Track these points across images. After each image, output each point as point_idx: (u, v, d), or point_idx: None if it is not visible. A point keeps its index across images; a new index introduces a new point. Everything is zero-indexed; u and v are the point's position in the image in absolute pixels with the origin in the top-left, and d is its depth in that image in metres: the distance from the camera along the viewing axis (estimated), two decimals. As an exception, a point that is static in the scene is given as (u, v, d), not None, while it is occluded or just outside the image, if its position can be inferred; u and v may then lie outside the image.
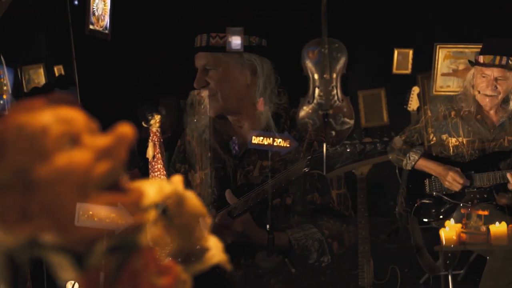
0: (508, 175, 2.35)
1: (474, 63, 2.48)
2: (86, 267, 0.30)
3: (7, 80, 0.97)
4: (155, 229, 0.37)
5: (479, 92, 2.41)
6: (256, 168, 1.41)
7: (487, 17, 3.54)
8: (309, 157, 1.23)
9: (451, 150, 2.49)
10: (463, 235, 2.32)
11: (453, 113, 2.49)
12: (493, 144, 2.46)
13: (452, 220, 2.38)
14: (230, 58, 1.38)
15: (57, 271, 0.30)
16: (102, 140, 0.31)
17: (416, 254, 2.54)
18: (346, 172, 2.72)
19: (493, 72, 2.37)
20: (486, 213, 2.30)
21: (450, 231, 2.34)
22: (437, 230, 2.65)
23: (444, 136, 2.51)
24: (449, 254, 2.38)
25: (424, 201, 2.49)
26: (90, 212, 0.66)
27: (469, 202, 2.42)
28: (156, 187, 0.37)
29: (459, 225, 2.36)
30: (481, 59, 2.42)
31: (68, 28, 2.47)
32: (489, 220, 2.29)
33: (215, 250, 0.43)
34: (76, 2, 2.52)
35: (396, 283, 2.46)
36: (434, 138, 2.55)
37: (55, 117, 0.30)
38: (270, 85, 1.42)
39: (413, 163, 2.46)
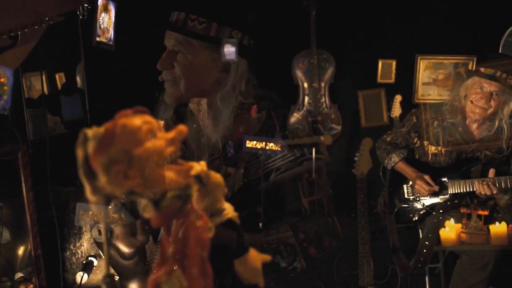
0: (476, 183, 2.39)
1: (473, 73, 2.51)
2: (160, 208, 0.52)
3: (7, 80, 1.07)
4: (195, 190, 0.58)
5: (471, 102, 2.44)
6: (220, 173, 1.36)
7: (466, 30, 3.77)
8: (244, 167, 1.12)
9: (430, 157, 2.58)
10: (463, 235, 2.33)
11: (436, 122, 2.58)
12: (470, 156, 2.53)
13: (452, 220, 2.40)
14: (203, 48, 1.26)
15: (142, 210, 0.52)
16: (169, 134, 0.53)
17: (393, 255, 2.67)
18: (345, 172, 2.83)
19: (491, 86, 2.39)
20: (486, 213, 2.32)
21: (450, 231, 2.35)
22: (416, 230, 2.85)
23: (425, 143, 2.61)
24: (421, 259, 2.53)
25: (403, 205, 2.66)
26: (90, 212, 0.92)
27: (440, 210, 2.58)
28: (195, 165, 0.58)
29: (459, 225, 2.36)
30: (482, 69, 2.44)
31: (78, 41, 2.65)
32: (489, 220, 2.32)
33: (228, 210, 0.65)
34: (85, 17, 2.71)
35: (396, 283, 2.59)
36: (418, 142, 2.65)
37: (142, 120, 0.52)
38: (239, 86, 1.31)
39: (393, 164, 2.62)
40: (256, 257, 0.70)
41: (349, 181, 2.80)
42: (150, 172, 0.50)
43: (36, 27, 1.17)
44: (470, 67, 3.56)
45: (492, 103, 2.41)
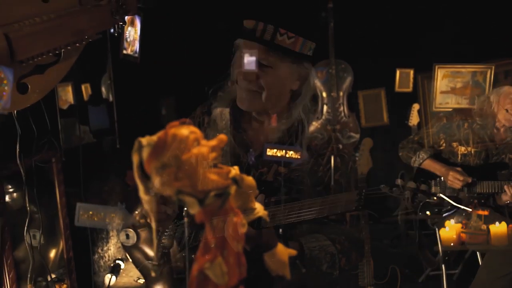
0: (505, 187, 2.47)
1: None
2: (204, 205, 0.61)
3: (6, 81, 1.11)
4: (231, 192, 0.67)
5: (507, 111, 2.53)
6: (270, 172, 1.35)
7: (481, 40, 3.80)
8: (359, 195, 1.10)
9: (459, 158, 2.66)
10: (463, 235, 2.37)
11: (466, 124, 2.66)
12: (496, 158, 2.64)
13: (452, 220, 2.47)
14: (287, 61, 1.30)
15: (188, 207, 0.61)
16: (211, 142, 0.62)
17: (419, 250, 2.72)
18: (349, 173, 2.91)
19: None
20: (486, 213, 2.38)
21: (450, 231, 2.39)
22: (435, 236, 2.88)
23: (454, 144, 2.68)
24: (448, 252, 2.56)
25: (428, 200, 2.71)
26: (90, 212, 1.03)
27: (468, 206, 2.65)
28: (231, 169, 0.67)
29: (459, 225, 2.41)
30: None
31: (107, 53, 2.80)
32: (489, 220, 2.37)
33: (259, 209, 0.74)
34: (112, 31, 2.85)
35: (396, 283, 2.62)
36: (444, 144, 2.72)
37: (189, 130, 0.61)
38: (310, 94, 1.38)
39: (421, 161, 2.68)
40: (283, 251, 0.78)
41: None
42: (196, 175, 0.59)
43: (77, 45, 1.29)
44: (488, 76, 3.59)
45: None
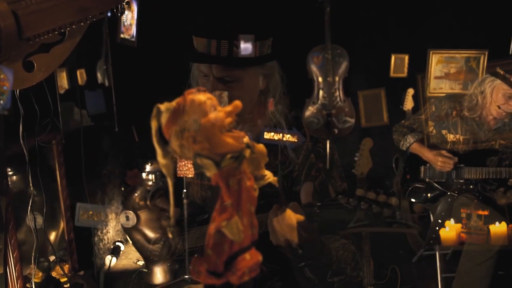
0: (491, 172, 2.54)
1: (502, 78, 2.59)
2: (220, 167, 0.64)
3: (7, 79, 1.12)
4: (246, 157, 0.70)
5: (499, 107, 2.58)
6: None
7: (477, 25, 3.83)
8: (310, 206, 1.04)
9: (448, 145, 2.73)
10: (463, 235, 2.39)
11: (454, 112, 2.74)
12: (485, 145, 2.69)
13: (452, 220, 2.50)
14: (250, 68, 1.30)
15: (206, 169, 0.64)
16: (227, 108, 0.65)
17: (407, 234, 2.80)
18: (346, 171, 2.97)
19: None
20: (486, 213, 2.39)
21: (450, 231, 2.41)
22: (428, 218, 2.95)
23: (444, 132, 2.76)
24: (433, 235, 2.64)
25: (417, 185, 2.80)
26: (90, 212, 1.07)
27: (456, 192, 2.72)
28: (244, 134, 0.71)
29: (459, 225, 2.42)
30: None
31: (103, 38, 2.79)
32: (489, 220, 2.39)
33: (269, 175, 0.78)
34: (109, 14, 2.84)
35: (396, 283, 2.67)
36: (434, 131, 2.79)
37: (206, 97, 0.64)
38: (280, 86, 1.39)
39: (408, 144, 2.76)
40: (292, 216, 0.81)
41: (349, 181, 2.91)
42: (213, 138, 0.63)
43: (82, 23, 1.30)
44: (482, 62, 3.62)
45: None
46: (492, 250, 2.39)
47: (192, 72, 1.38)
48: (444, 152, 2.66)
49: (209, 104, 0.63)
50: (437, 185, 2.73)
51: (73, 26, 1.28)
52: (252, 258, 0.68)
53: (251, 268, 0.68)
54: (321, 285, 1.20)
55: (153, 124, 0.64)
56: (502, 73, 2.62)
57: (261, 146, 0.74)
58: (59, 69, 4.18)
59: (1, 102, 1.08)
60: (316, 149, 1.38)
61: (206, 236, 0.65)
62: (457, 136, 2.73)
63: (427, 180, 2.79)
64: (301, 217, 0.83)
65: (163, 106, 0.64)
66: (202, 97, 0.63)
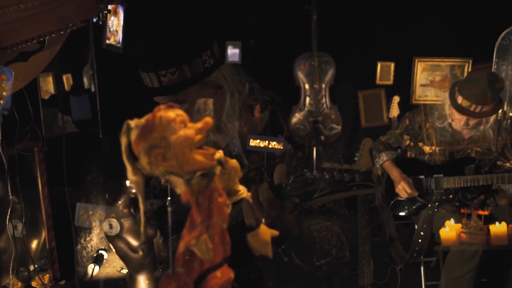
0: (469, 180, 2.56)
1: (453, 101, 2.60)
2: (190, 185, 0.64)
3: (7, 80, 1.10)
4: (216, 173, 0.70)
5: (452, 120, 2.65)
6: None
7: (460, 33, 3.89)
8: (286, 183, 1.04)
9: (426, 156, 2.79)
10: (463, 235, 2.38)
11: (428, 124, 2.78)
12: (461, 154, 2.73)
13: (452, 220, 2.50)
14: (191, 89, 1.24)
15: (175, 186, 0.63)
16: (197, 125, 0.64)
17: (389, 246, 2.81)
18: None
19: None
20: (486, 213, 2.40)
21: (450, 231, 2.41)
22: (412, 225, 2.96)
23: (420, 144, 2.81)
24: (416, 248, 2.65)
25: (399, 198, 2.82)
26: (90, 212, 1.06)
27: (436, 203, 2.73)
28: (216, 151, 0.70)
29: (459, 225, 2.42)
30: (459, 100, 2.56)
31: (89, 43, 2.78)
32: (489, 220, 2.41)
33: (242, 191, 0.77)
34: (95, 20, 2.82)
35: (396, 283, 2.68)
36: (411, 143, 2.86)
37: (175, 113, 0.64)
38: (241, 91, 1.33)
39: (381, 162, 2.80)
40: (266, 232, 0.81)
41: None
42: (182, 155, 0.62)
43: (61, 32, 1.29)
44: (466, 70, 3.65)
45: (471, 123, 2.62)
46: (473, 261, 2.41)
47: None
48: (410, 181, 2.69)
49: (178, 120, 0.62)
50: (418, 198, 2.75)
51: (53, 35, 1.27)
52: (223, 275, 0.68)
53: (222, 285, 0.67)
54: (311, 272, 1.19)
55: (123, 141, 0.63)
56: (455, 89, 2.63)
57: (233, 162, 0.73)
58: (45, 74, 4.16)
59: (1, 102, 1.07)
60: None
61: (176, 254, 0.64)
62: (433, 147, 2.77)
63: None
64: (275, 232, 0.83)
65: (133, 123, 0.63)
66: (171, 113, 0.63)
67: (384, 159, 2.79)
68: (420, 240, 2.64)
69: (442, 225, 2.57)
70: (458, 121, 2.63)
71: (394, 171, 2.75)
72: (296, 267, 1.16)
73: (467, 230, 2.38)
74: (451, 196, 2.68)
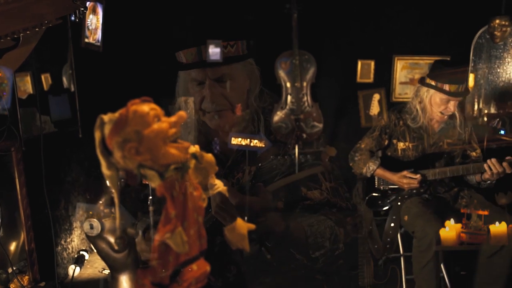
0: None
1: (438, 89, 2.69)
2: (164, 178, 0.64)
3: (7, 81, 1.10)
4: (191, 167, 0.70)
5: (441, 113, 2.72)
6: (245, 174, 1.37)
7: (439, 32, 3.95)
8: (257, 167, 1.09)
9: (399, 152, 2.85)
10: (463, 235, 2.38)
11: (401, 122, 2.86)
12: (433, 148, 2.82)
13: (452, 220, 2.50)
14: (238, 66, 1.35)
15: (150, 180, 0.64)
16: (171, 118, 0.64)
17: (368, 239, 2.85)
18: (345, 172, 2.99)
19: (456, 99, 2.71)
20: (486, 213, 2.39)
21: (450, 231, 2.39)
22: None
23: (394, 141, 2.88)
24: (388, 239, 2.69)
25: (373, 194, 2.89)
26: (90, 212, 1.06)
27: (406, 196, 2.79)
28: (190, 145, 0.70)
29: (459, 225, 2.41)
30: (446, 87, 2.66)
31: (67, 42, 2.74)
32: (489, 220, 2.41)
33: (219, 185, 0.77)
34: (73, 18, 2.79)
35: (396, 283, 2.69)
36: (387, 141, 2.92)
37: (149, 107, 0.64)
38: (259, 81, 1.42)
39: (372, 172, 2.86)
40: (243, 225, 0.81)
41: (349, 180, 2.96)
42: (156, 149, 0.62)
43: (36, 29, 1.27)
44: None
45: (454, 107, 2.74)
46: (429, 251, 2.46)
47: (179, 83, 1.41)
48: (406, 172, 2.77)
49: (152, 114, 0.63)
50: (389, 191, 2.82)
51: (27, 32, 1.25)
52: (199, 268, 0.68)
53: (198, 278, 0.68)
54: (310, 264, 1.23)
55: (97, 135, 0.63)
56: (433, 83, 2.71)
57: (209, 156, 0.74)
58: (23, 73, 4.09)
59: (3, 100, 1.04)
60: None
61: (151, 248, 0.64)
62: (406, 143, 2.83)
63: (381, 188, 2.88)
64: (252, 226, 0.83)
65: (106, 117, 0.63)
66: (145, 107, 0.63)
67: (374, 168, 2.86)
68: (390, 232, 2.72)
69: (407, 214, 2.65)
70: (444, 108, 2.71)
71: (388, 175, 2.83)
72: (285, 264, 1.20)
73: (467, 230, 2.38)
74: (421, 190, 2.77)
